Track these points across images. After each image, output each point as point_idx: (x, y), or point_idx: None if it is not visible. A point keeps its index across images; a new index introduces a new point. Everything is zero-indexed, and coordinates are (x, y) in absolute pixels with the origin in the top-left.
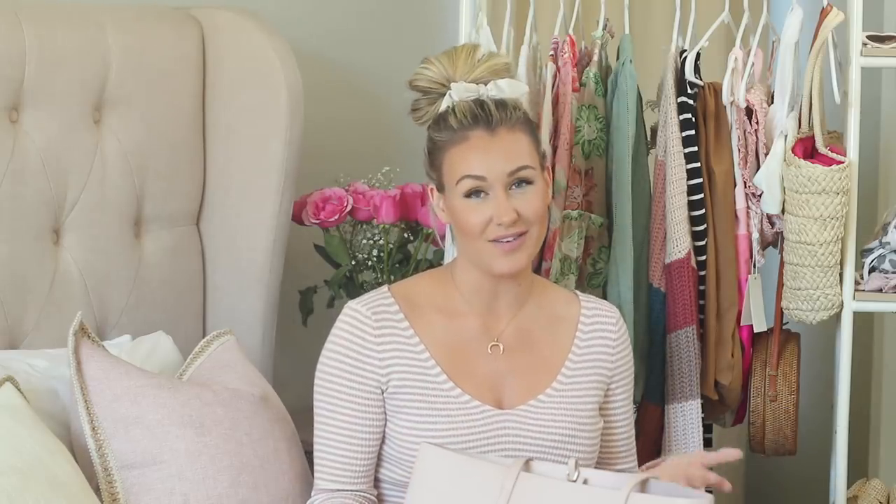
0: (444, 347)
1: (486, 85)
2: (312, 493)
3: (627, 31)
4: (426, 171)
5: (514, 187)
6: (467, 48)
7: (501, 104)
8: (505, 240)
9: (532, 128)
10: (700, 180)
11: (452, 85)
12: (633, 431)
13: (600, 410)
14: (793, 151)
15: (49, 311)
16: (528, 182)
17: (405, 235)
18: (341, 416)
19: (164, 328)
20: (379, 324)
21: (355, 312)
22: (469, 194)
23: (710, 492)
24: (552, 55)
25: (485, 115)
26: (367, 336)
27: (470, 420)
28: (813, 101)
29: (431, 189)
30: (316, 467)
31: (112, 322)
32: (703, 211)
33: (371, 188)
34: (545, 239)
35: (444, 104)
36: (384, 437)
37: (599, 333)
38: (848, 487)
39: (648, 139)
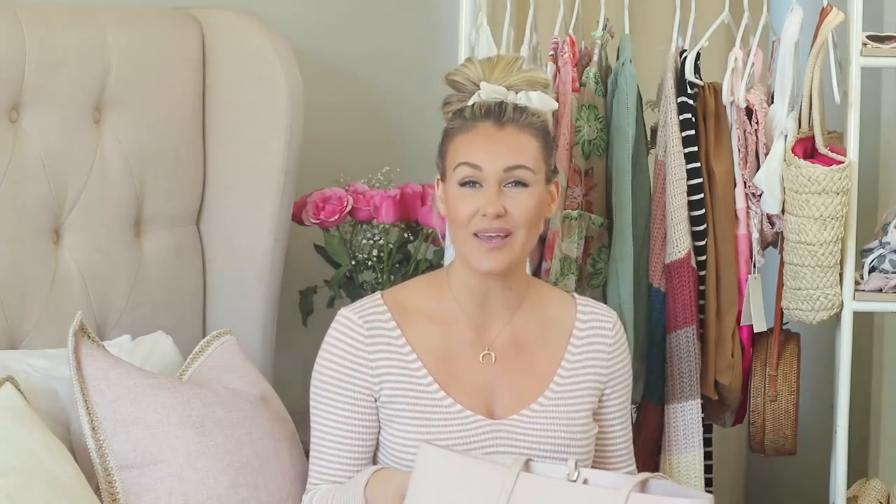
0: (436, 356)
1: (516, 93)
2: (305, 492)
3: (627, 31)
4: (435, 162)
5: (508, 185)
6: (511, 57)
7: (521, 108)
8: (487, 235)
9: (546, 137)
10: (700, 180)
11: (483, 84)
12: (630, 436)
13: (595, 416)
14: (793, 151)
15: (49, 311)
16: (524, 184)
17: (405, 235)
18: (335, 423)
19: (164, 328)
20: (370, 332)
21: (347, 321)
22: (464, 183)
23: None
24: (552, 55)
25: (499, 110)
26: (359, 345)
27: (461, 430)
28: (813, 101)
29: (437, 179)
30: (310, 469)
31: (112, 322)
32: (703, 211)
33: (371, 188)
34: (545, 239)
35: (471, 101)
36: (378, 444)
37: (595, 339)
38: (848, 487)
39: (648, 139)
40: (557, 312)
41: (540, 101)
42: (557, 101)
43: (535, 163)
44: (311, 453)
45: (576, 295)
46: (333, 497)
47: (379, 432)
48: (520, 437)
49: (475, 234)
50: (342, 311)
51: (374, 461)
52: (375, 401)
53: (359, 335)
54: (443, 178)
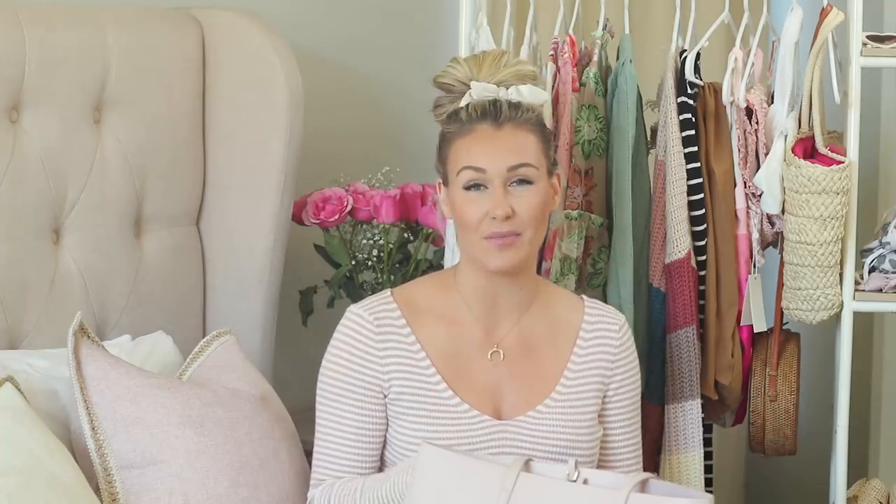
0: (445, 355)
1: (507, 88)
2: (312, 486)
3: (627, 31)
4: (435, 166)
5: (513, 184)
6: (496, 52)
7: (515, 104)
8: (498, 237)
9: (544, 131)
10: (700, 180)
11: (473, 84)
12: (637, 441)
13: (600, 418)
14: (793, 151)
15: (49, 311)
16: (529, 182)
17: (405, 235)
18: (343, 419)
19: (164, 328)
20: (380, 329)
21: (357, 317)
22: (469, 186)
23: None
24: (552, 55)
25: (494, 111)
26: (369, 342)
27: (468, 429)
28: (813, 101)
29: (439, 183)
30: (316, 464)
31: (112, 322)
32: (703, 211)
33: (371, 188)
34: (545, 239)
35: (462, 102)
36: (385, 441)
37: (601, 340)
38: (848, 487)
39: (648, 139)
40: (565, 314)
41: (531, 94)
42: (557, 101)
43: (537, 158)
44: (318, 449)
45: (585, 297)
46: (363, 485)
47: (387, 429)
48: (525, 439)
49: (485, 238)
50: (352, 308)
51: (382, 459)
52: (384, 397)
53: (369, 331)
54: (445, 183)
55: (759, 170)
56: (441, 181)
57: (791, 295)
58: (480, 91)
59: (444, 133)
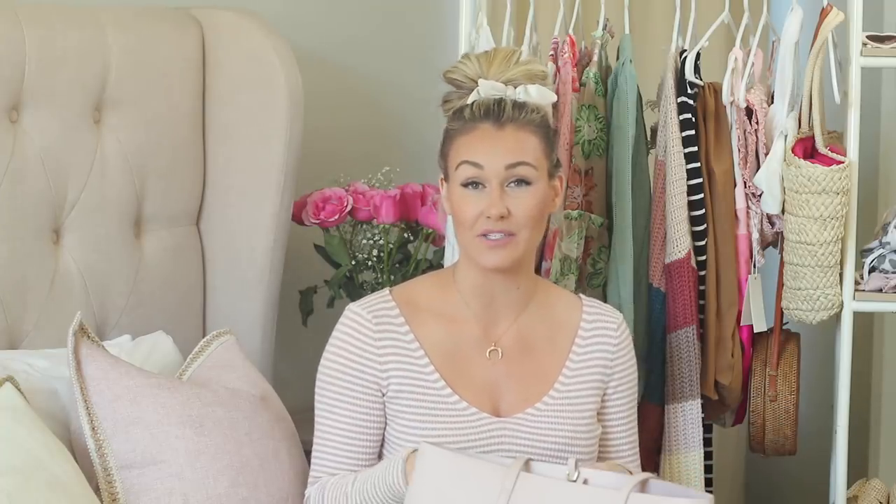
0: (444, 353)
1: (515, 87)
2: (309, 484)
3: (627, 31)
4: (438, 162)
5: (511, 185)
6: (507, 50)
7: (519, 105)
8: (492, 236)
9: (547, 133)
10: (700, 180)
11: (481, 81)
12: (635, 439)
13: (598, 416)
14: (793, 151)
15: (49, 311)
16: (527, 182)
17: (405, 235)
18: (342, 417)
19: (164, 328)
20: (379, 327)
21: (356, 315)
22: (467, 184)
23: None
24: (552, 55)
25: (498, 110)
26: (368, 339)
27: (466, 427)
28: (813, 101)
29: (441, 180)
30: (314, 462)
31: (112, 322)
32: (703, 211)
33: (371, 188)
34: (545, 239)
35: (470, 98)
36: (383, 439)
37: (599, 339)
38: (848, 487)
39: (648, 139)
40: (564, 313)
41: (539, 95)
42: (557, 101)
43: (537, 159)
44: (316, 447)
45: (583, 296)
46: (355, 479)
47: (385, 428)
48: (524, 436)
49: (479, 236)
50: (350, 307)
51: (380, 457)
52: (383, 395)
53: (367, 329)
54: (446, 179)
55: (759, 170)
56: (442, 177)
57: (791, 295)
58: (488, 89)
59: (447, 129)
